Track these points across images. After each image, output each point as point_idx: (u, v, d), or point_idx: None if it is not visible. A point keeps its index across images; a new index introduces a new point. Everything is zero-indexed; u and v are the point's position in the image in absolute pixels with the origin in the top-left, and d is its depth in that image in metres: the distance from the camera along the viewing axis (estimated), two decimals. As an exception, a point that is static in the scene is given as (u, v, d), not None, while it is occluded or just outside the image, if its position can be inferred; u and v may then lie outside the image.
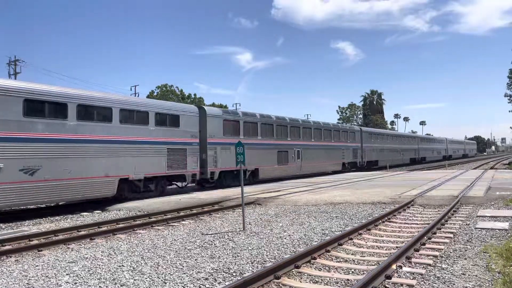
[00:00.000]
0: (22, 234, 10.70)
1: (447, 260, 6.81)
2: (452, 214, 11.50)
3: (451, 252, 7.36)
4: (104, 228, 11.19)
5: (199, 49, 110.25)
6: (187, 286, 5.86)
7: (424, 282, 5.69)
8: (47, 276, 6.66)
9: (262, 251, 7.95)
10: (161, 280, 6.19)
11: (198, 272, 6.60)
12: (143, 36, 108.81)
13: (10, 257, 8.24)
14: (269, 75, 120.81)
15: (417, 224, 10.42)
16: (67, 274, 6.73)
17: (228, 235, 9.66)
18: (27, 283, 6.31)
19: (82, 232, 10.77)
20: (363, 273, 6.13)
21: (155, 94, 52.92)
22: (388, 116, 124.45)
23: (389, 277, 5.73)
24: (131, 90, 42.39)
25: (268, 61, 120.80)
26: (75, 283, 6.23)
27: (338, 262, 6.98)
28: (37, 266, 7.41)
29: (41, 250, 8.71)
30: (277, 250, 8.01)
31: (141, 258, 7.71)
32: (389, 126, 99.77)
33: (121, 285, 6.02)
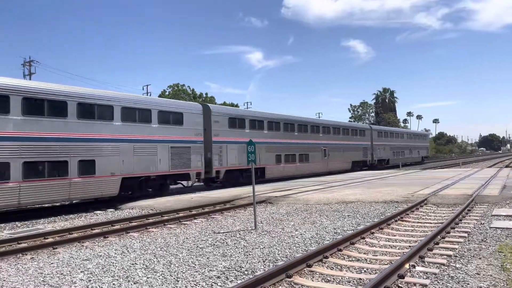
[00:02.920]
0: (38, 232, 10.89)
1: (461, 260, 6.73)
2: (467, 213, 11.35)
3: (465, 252, 7.26)
4: (117, 227, 11.32)
5: (210, 48, 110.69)
6: (200, 284, 5.90)
7: (438, 282, 5.63)
8: (62, 274, 6.76)
9: (273, 249, 7.95)
10: (174, 278, 6.24)
11: (210, 270, 6.63)
12: (155, 36, 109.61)
13: (26, 254, 8.39)
14: (279, 74, 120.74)
15: (431, 223, 10.31)
16: (81, 272, 6.83)
17: (239, 234, 9.69)
18: (43, 280, 6.42)
19: (96, 230, 10.91)
20: (376, 272, 6.10)
21: (167, 93, 53.21)
22: (401, 114, 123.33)
23: (402, 277, 5.69)
24: (143, 89, 42.71)
25: (279, 60, 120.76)
26: (89, 280, 6.32)
27: (350, 261, 6.95)
28: (52, 263, 7.53)
29: (56, 248, 8.84)
30: (289, 249, 8.01)
31: (154, 256, 7.78)
32: (402, 124, 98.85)
33: (134, 283, 6.09)
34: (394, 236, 8.93)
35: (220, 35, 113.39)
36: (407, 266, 6.18)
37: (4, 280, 6.49)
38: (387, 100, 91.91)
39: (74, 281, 6.29)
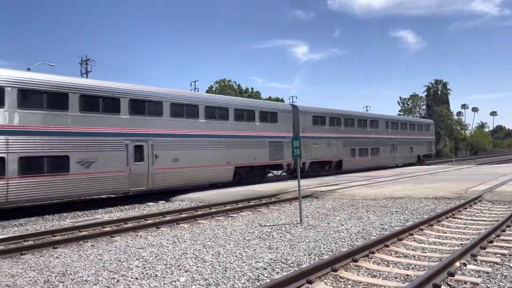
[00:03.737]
0: (96, 221, 11.64)
1: (516, 259, 6.46)
2: (525, 211, 10.76)
3: (521, 251, 6.95)
4: (168, 218, 11.84)
5: (255, 43, 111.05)
6: (247, 275, 6.11)
7: (490, 281, 5.47)
8: (119, 260, 7.24)
9: (319, 243, 8.02)
10: (222, 268, 6.50)
11: (257, 261, 6.83)
12: (201, 32, 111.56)
13: (87, 242, 9.03)
14: (325, 67, 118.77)
15: (485, 221, 9.90)
16: (136, 259, 7.27)
17: (285, 227, 9.83)
18: (102, 266, 6.91)
19: (149, 221, 11.48)
20: (424, 269, 6.01)
21: (214, 89, 54.24)
22: (454, 107, 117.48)
23: (452, 274, 5.58)
24: (191, 85, 43.80)
25: (325, 53, 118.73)
26: (144, 267, 6.73)
27: (398, 257, 6.88)
28: (110, 250, 8.06)
29: (113, 237, 9.44)
30: (334, 243, 8.05)
31: (203, 246, 8.11)
32: (455, 117, 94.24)
33: (185, 271, 6.42)
34: (445, 233, 8.69)
35: (265, 30, 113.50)
36: (457, 264, 6.04)
37: (68, 265, 7.06)
38: (439, 92, 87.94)
39: (130, 268, 6.72)
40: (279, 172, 25.14)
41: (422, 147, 40.55)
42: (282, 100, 54.14)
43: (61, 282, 6.08)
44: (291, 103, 28.22)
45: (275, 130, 23.47)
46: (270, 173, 25.02)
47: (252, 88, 57.53)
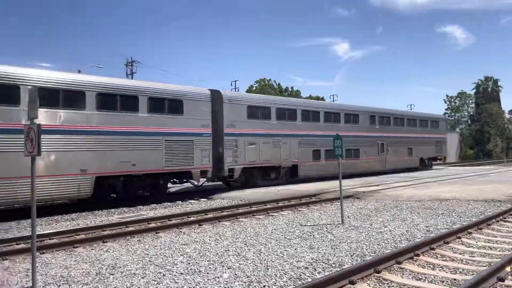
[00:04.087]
0: (142, 217, 12.09)
1: None
2: None
3: None
4: (210, 215, 12.09)
5: (295, 42, 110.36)
6: (288, 273, 6.16)
7: (545, 288, 5.20)
8: (164, 256, 7.51)
9: (361, 245, 7.93)
10: (264, 266, 6.59)
11: (298, 261, 6.86)
12: (241, 32, 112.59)
13: (133, 237, 9.41)
14: (367, 65, 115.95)
15: (539, 225, 9.38)
16: (181, 255, 7.51)
17: (326, 228, 9.78)
18: (149, 261, 7.20)
19: (192, 218, 11.79)
20: (472, 274, 5.80)
21: (254, 88, 54.59)
22: (506, 105, 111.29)
23: (502, 279, 5.36)
24: (231, 85, 44.27)
25: (366, 50, 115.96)
26: (189, 263, 6.94)
27: (444, 260, 6.68)
28: (155, 246, 8.37)
29: (158, 232, 9.78)
30: (377, 245, 7.92)
31: (245, 244, 8.23)
32: (507, 116, 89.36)
33: (228, 268, 6.56)
34: (495, 237, 8.32)
35: (305, 28, 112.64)
36: (508, 269, 5.78)
37: (117, 259, 7.40)
38: (489, 90, 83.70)
39: (175, 263, 6.96)
40: (200, 182, 18.87)
41: (427, 148, 32.59)
42: (322, 99, 53.44)
43: (111, 274, 6.39)
44: (211, 89, 18.89)
45: (178, 125, 16.67)
46: (182, 184, 19.20)
47: (292, 87, 57.43)
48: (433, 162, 34.29)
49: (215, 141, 18.12)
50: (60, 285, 5.89)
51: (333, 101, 36.88)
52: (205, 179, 18.54)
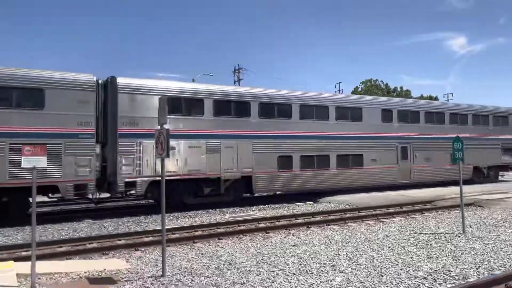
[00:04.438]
0: (252, 217, 12.60)
1: None
2: None
3: None
4: (318, 218, 12.11)
5: (404, 39, 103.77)
6: (405, 282, 5.90)
7: None
8: (276, 255, 7.74)
9: (488, 257, 7.22)
10: (378, 273, 6.40)
11: (415, 270, 6.52)
12: (348, 32, 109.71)
13: (246, 236, 9.87)
14: (487, 59, 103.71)
15: None
16: (292, 256, 7.67)
17: (445, 237, 9.10)
18: (262, 259, 7.49)
19: (299, 220, 11.92)
20: None
21: (359, 89, 53.01)
22: None
23: None
24: (335, 87, 43.69)
25: (487, 43, 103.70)
26: (300, 264, 7.06)
27: None
28: (267, 245, 8.67)
29: (268, 233, 10.11)
30: (507, 258, 7.14)
31: (355, 249, 8.08)
32: None
33: (340, 272, 6.52)
34: None
35: (414, 25, 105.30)
36: None
37: (232, 256, 7.85)
38: None
39: (287, 263, 7.13)
40: (97, 195, 14.47)
41: (487, 153, 23.22)
42: (436, 99, 49.51)
43: (229, 270, 6.81)
44: (111, 76, 14.34)
45: (34, 123, 12.39)
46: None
47: (401, 87, 54.38)
48: (501, 172, 25.19)
49: (105, 144, 14.17)
50: (185, 276, 6.46)
51: (447, 100, 33.98)
52: (96, 194, 14.29)
